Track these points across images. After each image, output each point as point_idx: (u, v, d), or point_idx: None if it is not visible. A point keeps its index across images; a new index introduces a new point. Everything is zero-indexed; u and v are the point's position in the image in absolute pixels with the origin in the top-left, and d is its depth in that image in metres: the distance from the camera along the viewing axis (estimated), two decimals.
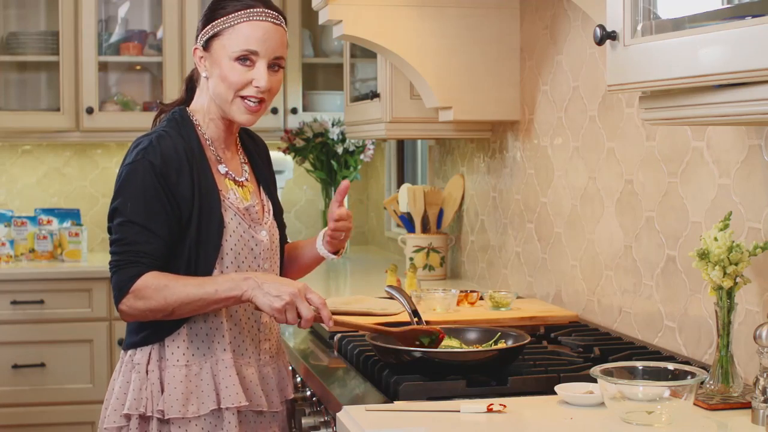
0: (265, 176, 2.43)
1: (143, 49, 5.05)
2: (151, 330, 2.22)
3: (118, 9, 5.09)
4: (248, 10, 2.22)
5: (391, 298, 2.73)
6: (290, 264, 2.52)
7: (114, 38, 5.04)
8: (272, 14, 2.25)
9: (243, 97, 2.24)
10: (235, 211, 2.26)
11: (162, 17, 4.95)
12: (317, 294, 2.18)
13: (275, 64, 2.26)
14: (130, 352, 2.25)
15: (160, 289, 2.13)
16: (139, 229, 2.16)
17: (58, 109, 4.90)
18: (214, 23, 2.23)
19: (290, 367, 2.75)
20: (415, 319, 2.58)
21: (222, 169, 2.29)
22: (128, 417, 2.21)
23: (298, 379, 2.66)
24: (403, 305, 2.60)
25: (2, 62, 5.01)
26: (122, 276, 2.15)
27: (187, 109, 2.32)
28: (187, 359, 2.20)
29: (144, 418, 2.20)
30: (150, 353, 2.21)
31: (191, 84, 2.38)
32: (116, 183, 2.22)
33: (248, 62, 2.22)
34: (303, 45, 5.14)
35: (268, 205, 2.40)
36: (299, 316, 2.14)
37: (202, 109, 2.30)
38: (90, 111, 4.85)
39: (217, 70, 2.23)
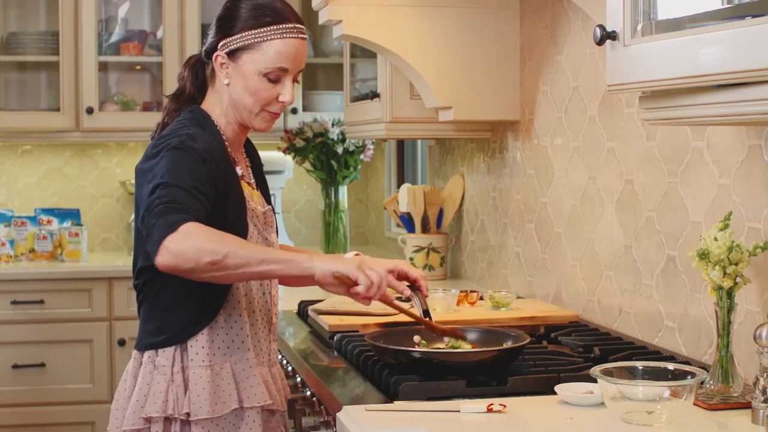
0: (262, 178, 2.43)
1: (143, 49, 5.05)
2: (173, 332, 2.18)
3: (118, 9, 5.09)
4: (281, 26, 2.19)
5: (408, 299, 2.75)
6: None
7: (114, 38, 5.04)
8: (301, 29, 2.23)
9: (266, 110, 2.24)
10: (253, 215, 2.25)
11: (162, 17, 4.95)
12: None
13: (296, 78, 2.26)
14: (149, 353, 2.19)
15: (216, 233, 1.96)
16: (180, 191, 2.01)
17: (58, 109, 4.90)
18: (243, 34, 2.18)
19: (290, 367, 2.76)
20: (426, 319, 2.59)
21: (239, 170, 2.28)
22: (149, 419, 2.16)
23: (298, 379, 2.65)
24: (417, 304, 2.61)
25: (2, 62, 5.01)
26: (171, 218, 1.96)
27: (202, 107, 2.28)
28: (210, 359, 2.18)
29: (168, 420, 2.16)
30: (174, 355, 2.17)
31: (202, 79, 2.31)
32: (151, 163, 2.09)
33: (276, 79, 2.20)
34: None
35: (269, 210, 2.40)
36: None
37: (219, 110, 2.26)
38: (90, 111, 4.85)
39: (243, 81, 2.20)
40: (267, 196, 2.41)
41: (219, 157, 2.17)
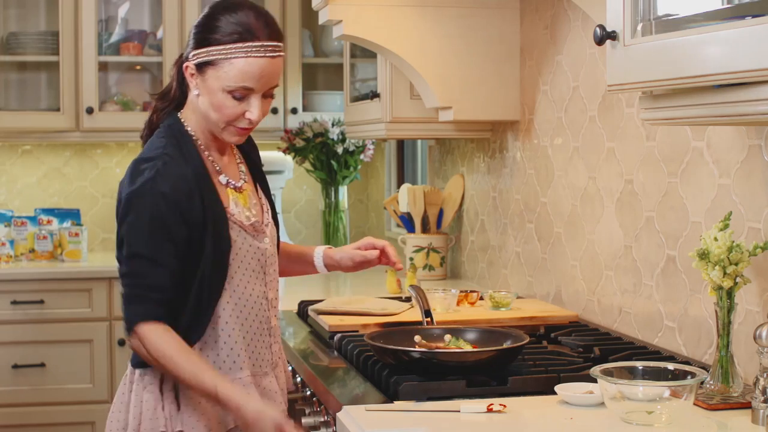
0: (260, 173, 2.41)
1: (143, 49, 5.05)
2: None
3: (118, 9, 5.09)
4: (246, 44, 2.12)
5: (410, 298, 2.78)
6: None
7: (114, 38, 5.04)
8: (270, 47, 2.14)
9: (234, 126, 2.20)
10: (240, 227, 2.23)
11: (162, 17, 4.95)
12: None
13: (268, 93, 2.20)
14: (139, 371, 2.20)
15: (159, 352, 2.10)
16: (147, 262, 2.12)
17: (58, 109, 4.90)
18: (209, 49, 2.14)
19: (290, 367, 2.76)
20: (427, 319, 2.60)
21: (222, 179, 2.25)
22: None
23: (299, 379, 2.65)
24: (419, 305, 2.63)
25: (2, 62, 5.01)
26: (129, 312, 2.13)
27: (180, 116, 2.26)
28: None
29: None
30: (162, 374, 2.18)
31: (184, 83, 2.28)
32: (121, 209, 2.16)
33: (242, 97, 2.16)
34: (303, 45, 5.14)
35: (267, 205, 2.38)
36: None
37: (194, 118, 2.25)
38: (90, 111, 4.85)
39: (210, 97, 2.17)
40: (266, 190, 2.40)
41: (190, 187, 2.15)
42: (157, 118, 2.29)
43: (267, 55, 2.14)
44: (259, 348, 2.27)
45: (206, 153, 2.25)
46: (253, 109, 2.17)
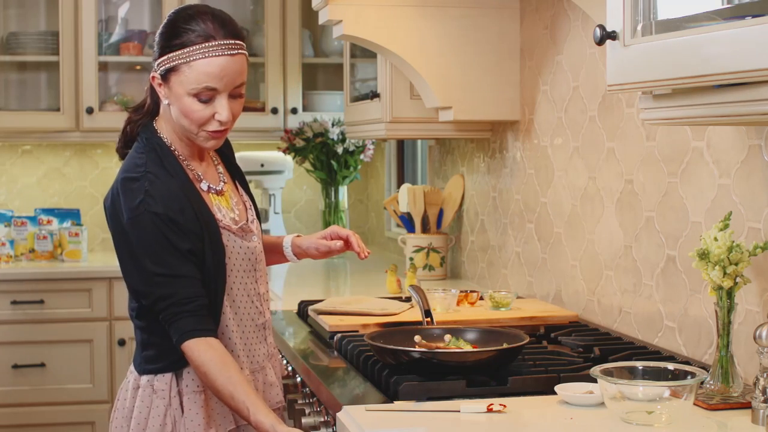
0: (237, 170, 2.44)
1: (143, 49, 5.05)
2: (168, 361, 2.21)
3: (118, 9, 5.09)
4: (203, 45, 2.13)
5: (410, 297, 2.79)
6: None
7: (114, 38, 5.04)
8: (228, 45, 2.15)
9: (205, 130, 2.20)
10: (229, 231, 2.26)
11: (162, 17, 4.94)
12: None
13: (236, 93, 2.20)
14: (147, 377, 2.23)
15: (200, 371, 2.12)
16: (167, 279, 2.13)
17: (58, 109, 4.90)
18: (170, 56, 2.15)
19: (290, 367, 2.76)
20: (427, 320, 2.61)
21: (204, 186, 2.27)
22: None
23: (299, 379, 2.66)
24: (419, 305, 2.63)
25: (2, 62, 5.01)
26: (176, 332, 2.13)
27: (155, 126, 2.27)
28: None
29: None
30: (171, 380, 2.21)
31: (156, 94, 2.30)
32: (121, 237, 2.17)
33: (208, 99, 2.16)
34: (303, 45, 5.14)
35: (249, 201, 2.40)
36: None
37: (169, 128, 2.26)
38: (90, 111, 4.86)
39: (177, 103, 2.18)
40: (245, 185, 2.42)
41: (181, 202, 2.17)
42: (132, 129, 2.31)
43: (226, 53, 2.15)
44: (256, 344, 2.31)
45: (185, 162, 2.27)
46: (221, 110, 2.17)
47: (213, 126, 2.19)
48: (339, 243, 2.51)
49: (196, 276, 2.16)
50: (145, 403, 2.22)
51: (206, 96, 2.16)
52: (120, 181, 2.20)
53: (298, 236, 2.59)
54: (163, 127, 2.27)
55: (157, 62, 2.19)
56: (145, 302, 2.18)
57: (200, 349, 2.11)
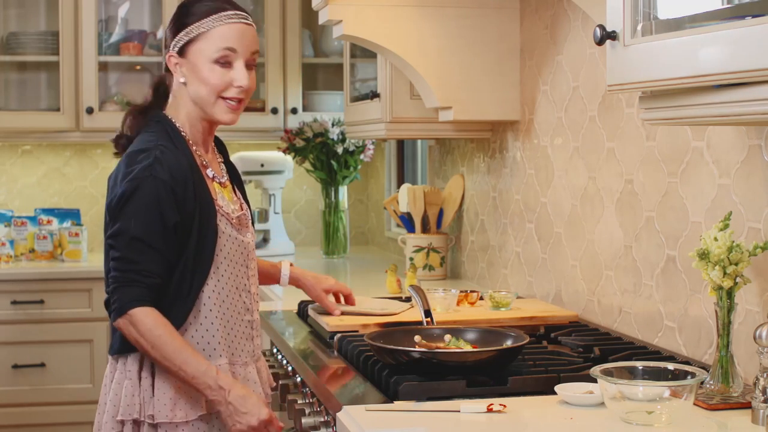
0: (236, 175, 2.48)
1: (143, 49, 5.05)
2: None
3: (118, 9, 5.09)
4: (220, 14, 2.25)
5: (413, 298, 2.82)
6: None
7: (114, 38, 5.04)
8: (243, 14, 2.29)
9: (224, 98, 2.28)
10: (227, 219, 2.30)
11: (162, 17, 4.95)
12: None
13: (251, 62, 2.29)
14: (121, 359, 2.26)
15: (154, 335, 2.15)
16: (142, 246, 2.17)
17: (58, 109, 4.91)
18: (187, 29, 2.26)
19: (290, 367, 2.76)
20: (427, 320, 2.61)
21: (210, 173, 2.33)
22: (122, 423, 2.24)
23: (299, 379, 2.66)
24: (419, 305, 2.63)
25: (2, 62, 5.01)
26: (122, 295, 2.17)
27: (166, 114, 2.33)
28: None
29: (137, 423, 2.23)
30: (141, 359, 2.23)
31: (162, 88, 2.38)
32: (117, 198, 2.19)
33: (227, 63, 2.25)
34: (303, 45, 5.14)
35: (245, 205, 2.44)
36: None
37: (182, 113, 2.31)
38: (90, 111, 4.86)
39: (196, 74, 2.26)
40: (242, 189, 2.46)
41: (186, 176, 2.22)
42: (130, 131, 2.34)
43: (242, 21, 2.28)
44: (239, 338, 2.33)
45: (194, 147, 2.32)
46: (240, 75, 2.26)
47: (231, 92, 2.27)
48: (331, 306, 2.89)
49: (168, 256, 2.19)
50: (119, 385, 2.25)
51: (225, 59, 2.25)
52: (128, 154, 2.26)
53: (293, 268, 2.84)
54: (174, 114, 2.32)
55: (173, 42, 2.28)
56: (111, 255, 2.20)
57: (153, 316, 2.16)
